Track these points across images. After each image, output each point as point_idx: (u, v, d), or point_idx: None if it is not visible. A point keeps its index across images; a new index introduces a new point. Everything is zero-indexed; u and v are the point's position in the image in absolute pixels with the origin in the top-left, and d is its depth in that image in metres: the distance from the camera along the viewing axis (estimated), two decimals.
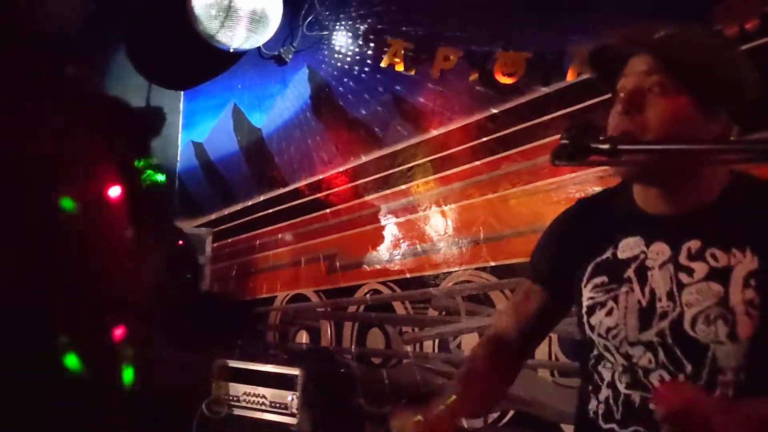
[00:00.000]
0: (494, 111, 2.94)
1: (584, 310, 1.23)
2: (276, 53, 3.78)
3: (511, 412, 2.75)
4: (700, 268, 1.11)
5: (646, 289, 1.15)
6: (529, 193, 2.77)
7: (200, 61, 3.94)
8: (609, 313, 1.18)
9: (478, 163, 2.98)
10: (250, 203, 3.84)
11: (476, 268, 2.94)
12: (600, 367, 1.21)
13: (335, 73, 3.55)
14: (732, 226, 1.12)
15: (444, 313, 3.04)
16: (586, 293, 1.23)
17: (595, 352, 1.22)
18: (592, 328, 1.21)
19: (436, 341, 3.06)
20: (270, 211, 3.73)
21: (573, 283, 1.27)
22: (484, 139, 2.96)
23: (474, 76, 3.03)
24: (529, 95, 2.81)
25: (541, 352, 2.63)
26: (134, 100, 4.10)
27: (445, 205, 3.08)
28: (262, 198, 3.79)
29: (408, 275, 3.19)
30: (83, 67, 3.59)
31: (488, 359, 1.37)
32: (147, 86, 4.08)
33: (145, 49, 4.02)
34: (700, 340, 1.08)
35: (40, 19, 3.50)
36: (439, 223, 3.10)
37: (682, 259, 1.13)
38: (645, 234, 1.18)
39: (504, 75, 2.92)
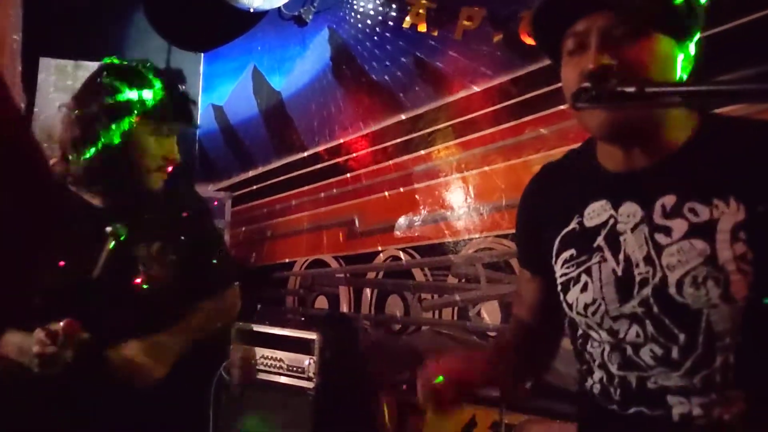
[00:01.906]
0: (518, 74, 2.85)
1: (559, 288, 1.13)
2: (296, 14, 3.70)
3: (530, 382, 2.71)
4: (678, 226, 1.00)
5: (620, 257, 1.04)
6: (553, 159, 2.69)
7: (220, 22, 3.88)
8: (584, 289, 1.08)
9: (501, 127, 2.90)
10: (269, 168, 3.81)
11: (497, 236, 2.89)
12: (588, 347, 1.12)
13: (356, 34, 3.47)
14: (709, 173, 1.00)
15: (464, 280, 3.00)
16: (558, 270, 1.13)
17: (580, 331, 1.13)
18: (570, 306, 1.11)
19: (456, 309, 3.02)
20: (289, 175, 3.69)
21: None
22: (508, 103, 2.87)
23: (498, 37, 2.93)
24: None
25: None
26: (154, 62, 4.06)
27: (467, 171, 3.01)
28: (281, 162, 3.75)
29: (428, 242, 3.15)
30: None
31: (516, 340, 1.30)
32: (167, 48, 4.03)
33: (164, 9, 3.96)
34: (690, 306, 0.98)
35: None
36: (460, 190, 3.04)
37: (657, 217, 1.02)
38: (611, 195, 1.07)
39: (529, 36, 2.82)
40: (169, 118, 1.66)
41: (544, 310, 1.26)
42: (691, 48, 1.06)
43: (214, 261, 1.81)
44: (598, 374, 1.11)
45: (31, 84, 3.73)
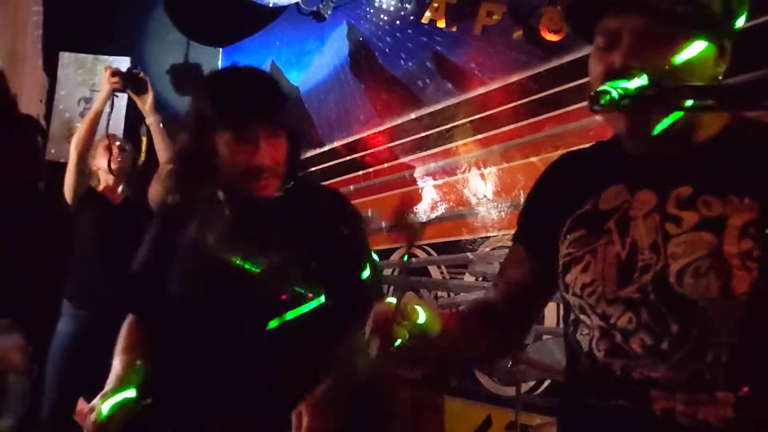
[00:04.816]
0: (538, 70, 2.81)
1: (560, 268, 1.11)
2: (315, 9, 3.70)
3: (547, 382, 2.69)
4: (689, 218, 0.99)
5: (627, 241, 1.03)
6: None
7: (239, 18, 3.89)
8: (585, 269, 1.06)
9: (520, 124, 2.87)
10: None
11: None
12: (578, 335, 1.09)
13: (374, 29, 3.45)
14: (729, 170, 0.99)
15: (481, 278, 2.98)
16: (563, 249, 1.11)
17: (572, 317, 1.10)
18: (567, 287, 1.09)
19: None
20: (306, 171, 3.69)
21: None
22: (527, 99, 2.84)
23: (518, 33, 2.90)
24: (576, 53, 2.67)
25: None
26: (172, 57, 4.08)
27: (485, 168, 2.98)
28: None
29: (445, 239, 3.12)
30: None
31: (472, 322, 1.20)
32: (185, 42, 4.05)
33: (183, 4, 3.98)
34: (687, 296, 0.96)
35: None
36: (477, 187, 3.01)
37: (670, 207, 1.01)
38: (630, 181, 1.06)
39: (549, 32, 2.78)
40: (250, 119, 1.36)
41: (524, 294, 1.21)
42: (728, 47, 1.03)
43: (361, 277, 1.47)
44: (583, 364, 1.08)
45: (51, 78, 3.76)
